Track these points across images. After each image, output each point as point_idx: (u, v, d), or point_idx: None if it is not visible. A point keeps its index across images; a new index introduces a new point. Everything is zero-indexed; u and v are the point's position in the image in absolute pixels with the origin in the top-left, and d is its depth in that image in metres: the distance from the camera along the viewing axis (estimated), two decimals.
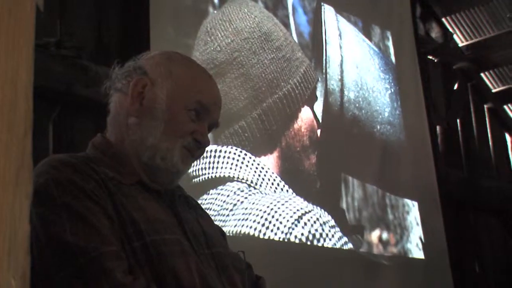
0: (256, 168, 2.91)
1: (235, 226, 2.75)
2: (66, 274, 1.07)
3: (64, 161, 1.20)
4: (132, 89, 1.29)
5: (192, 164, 1.34)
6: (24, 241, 0.54)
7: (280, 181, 2.99)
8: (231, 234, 2.71)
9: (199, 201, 2.70)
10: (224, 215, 2.75)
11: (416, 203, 3.94)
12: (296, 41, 3.41)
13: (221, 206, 2.78)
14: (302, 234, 2.97)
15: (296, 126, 3.19)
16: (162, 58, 1.34)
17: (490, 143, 5.39)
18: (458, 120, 5.08)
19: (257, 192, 2.85)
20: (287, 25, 3.40)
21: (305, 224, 3.00)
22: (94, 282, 1.07)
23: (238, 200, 2.81)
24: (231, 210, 2.79)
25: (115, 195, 1.18)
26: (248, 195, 2.83)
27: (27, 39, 0.55)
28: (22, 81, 0.55)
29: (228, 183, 2.82)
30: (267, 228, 2.81)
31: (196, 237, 1.25)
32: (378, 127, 3.79)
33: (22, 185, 0.55)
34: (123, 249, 1.13)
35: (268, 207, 2.82)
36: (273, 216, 2.82)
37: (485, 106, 5.45)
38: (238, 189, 2.83)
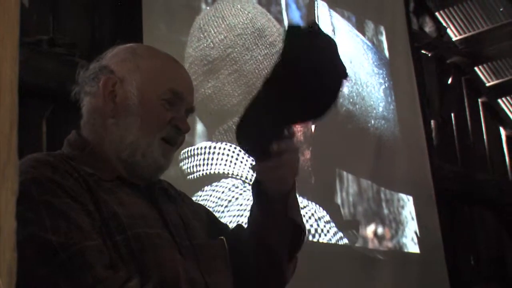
0: (251, 164, 2.91)
1: (230, 222, 2.74)
2: (49, 270, 1.08)
3: (41, 160, 1.20)
4: (102, 90, 1.28)
5: (173, 156, 1.33)
6: (10, 237, 0.54)
7: None
8: None
9: (194, 198, 2.71)
10: (219, 211, 2.75)
11: (411, 198, 3.94)
12: None
13: (216, 202, 2.78)
14: None
15: None
16: (127, 53, 1.33)
17: (485, 137, 5.40)
18: (452, 114, 5.08)
19: None
20: (280, 21, 3.39)
21: None
22: (76, 277, 1.07)
23: (233, 197, 2.81)
24: (226, 206, 2.78)
25: (95, 191, 1.18)
26: (243, 192, 2.83)
27: (11, 33, 0.55)
28: (6, 76, 0.54)
29: (223, 180, 2.82)
30: None
31: (178, 230, 1.25)
32: (372, 122, 3.79)
33: (8, 181, 0.55)
34: (104, 244, 1.13)
35: None
36: None
37: (479, 100, 5.45)
38: (233, 185, 2.83)
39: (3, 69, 0.54)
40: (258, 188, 1.28)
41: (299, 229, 1.30)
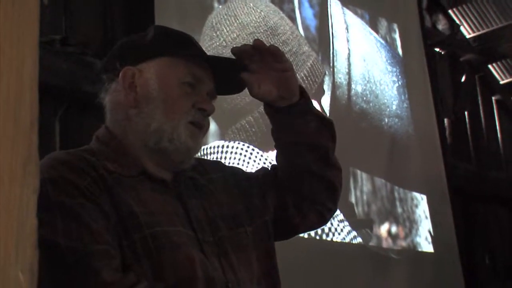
0: (264, 163, 2.90)
1: None
2: (55, 273, 1.08)
3: (59, 159, 1.19)
4: (122, 82, 1.26)
5: (202, 140, 1.30)
6: (31, 234, 0.53)
7: None
8: None
9: None
10: None
11: (424, 196, 3.93)
12: (303, 35, 3.40)
13: None
14: None
15: None
16: None
17: (499, 134, 5.37)
18: (466, 112, 5.06)
19: None
20: (293, 19, 3.39)
21: None
22: (81, 282, 1.07)
23: None
24: None
25: (113, 189, 1.17)
26: None
27: (31, 30, 0.55)
28: (27, 74, 0.54)
29: None
30: None
31: (201, 225, 1.23)
32: (386, 120, 3.78)
33: (29, 178, 0.55)
34: (119, 245, 1.12)
35: None
36: None
37: (493, 98, 5.43)
38: None
39: (25, 67, 0.54)
40: (274, 110, 1.37)
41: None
